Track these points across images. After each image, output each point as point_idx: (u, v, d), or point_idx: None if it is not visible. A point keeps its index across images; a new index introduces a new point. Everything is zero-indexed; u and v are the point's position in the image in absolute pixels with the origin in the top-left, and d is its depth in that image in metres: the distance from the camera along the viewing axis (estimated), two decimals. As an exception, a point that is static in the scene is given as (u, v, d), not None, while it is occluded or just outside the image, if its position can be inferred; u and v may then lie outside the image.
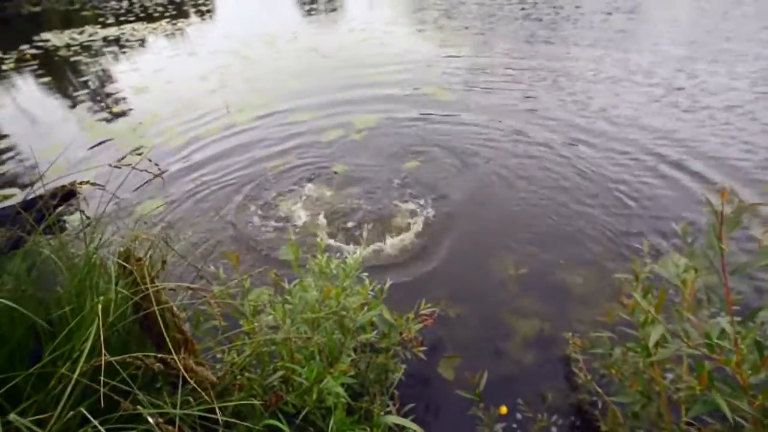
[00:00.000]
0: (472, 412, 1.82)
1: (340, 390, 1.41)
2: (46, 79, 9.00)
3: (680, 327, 1.07)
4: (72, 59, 10.65)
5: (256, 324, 1.56)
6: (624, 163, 3.93)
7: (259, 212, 3.69)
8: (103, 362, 0.83)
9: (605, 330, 1.73)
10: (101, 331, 0.87)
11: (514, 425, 1.96)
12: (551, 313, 2.55)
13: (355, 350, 1.74)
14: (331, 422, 1.31)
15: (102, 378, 0.86)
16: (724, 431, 1.29)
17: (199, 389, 1.03)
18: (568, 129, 4.64)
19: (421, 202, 3.64)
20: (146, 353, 0.95)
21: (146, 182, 3.77)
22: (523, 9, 10.37)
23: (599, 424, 1.78)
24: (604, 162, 3.96)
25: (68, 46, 12.38)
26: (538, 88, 5.83)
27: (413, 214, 3.49)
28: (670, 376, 1.52)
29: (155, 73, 8.72)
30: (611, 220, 3.23)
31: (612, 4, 10.38)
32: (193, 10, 17.82)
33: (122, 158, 4.51)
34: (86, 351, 0.89)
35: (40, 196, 1.33)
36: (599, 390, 1.86)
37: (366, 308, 1.75)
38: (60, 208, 1.39)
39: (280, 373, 1.51)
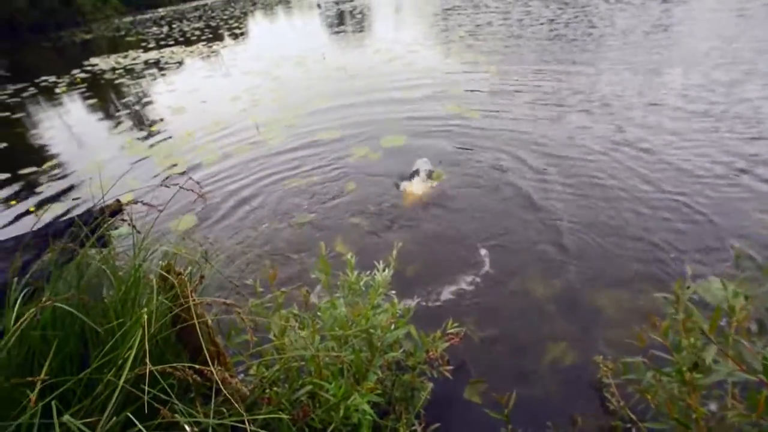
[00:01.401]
0: (502, 432, 1.78)
1: (367, 407, 1.41)
2: (92, 101, 9.64)
3: (732, 351, 1.03)
4: (116, 81, 11.36)
5: (286, 340, 1.60)
6: (660, 185, 3.80)
7: (292, 228, 3.78)
8: (147, 371, 0.87)
9: (636, 354, 1.67)
10: (146, 341, 0.92)
11: (544, 451, 1.90)
12: (580, 335, 2.48)
13: (381, 368, 1.75)
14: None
15: (146, 386, 0.91)
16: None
17: (231, 400, 1.07)
18: (601, 149, 4.55)
19: (445, 217, 3.63)
20: (183, 364, 0.99)
21: (192, 201, 3.95)
22: (552, 30, 10.34)
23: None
24: (639, 183, 3.85)
25: (113, 69, 13.23)
26: (572, 111, 5.76)
27: (437, 232, 3.49)
28: (707, 404, 1.45)
29: (191, 93, 9.17)
30: (646, 244, 3.12)
31: (647, 20, 10.23)
32: (227, 33, 18.75)
33: (166, 178, 4.74)
34: (131, 359, 0.94)
35: (90, 212, 1.43)
36: (633, 416, 1.79)
37: (393, 326, 1.76)
38: (108, 224, 1.48)
39: (307, 389, 1.53)
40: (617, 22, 10.12)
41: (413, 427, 1.70)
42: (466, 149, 4.88)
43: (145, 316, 0.98)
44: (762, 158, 3.96)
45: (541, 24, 11.11)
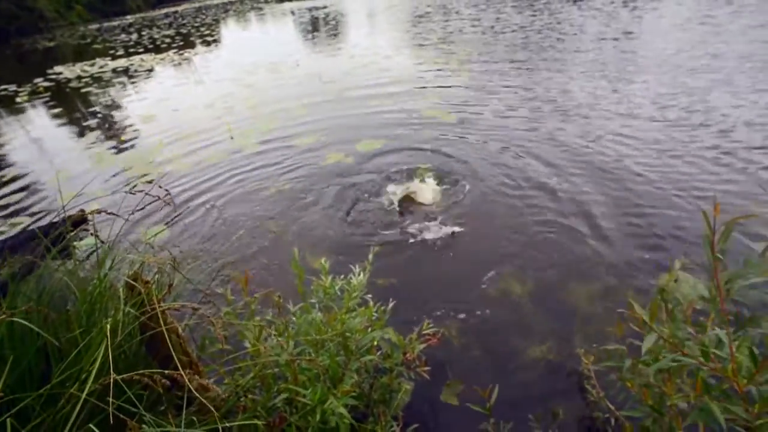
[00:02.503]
0: (482, 427, 1.80)
1: (344, 411, 1.41)
2: (57, 110, 9.30)
3: (678, 337, 1.08)
4: (82, 90, 11.00)
5: (260, 346, 1.58)
6: (626, 183, 3.95)
7: (266, 235, 3.73)
8: (111, 380, 0.85)
9: (617, 344, 1.73)
10: (110, 351, 0.89)
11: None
12: (559, 331, 2.54)
13: (358, 371, 1.75)
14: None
15: (110, 398, 0.88)
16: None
17: (205, 408, 1.05)
18: (572, 153, 4.69)
19: (420, 218, 3.67)
20: (152, 371, 0.97)
21: (161, 209, 3.85)
22: (525, 37, 10.63)
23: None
24: (609, 183, 3.98)
25: (79, 77, 12.82)
26: (542, 112, 5.93)
27: (413, 235, 3.52)
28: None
29: (162, 101, 8.98)
30: (619, 241, 3.23)
31: (618, 27, 10.63)
32: (199, 40, 18.46)
33: (133, 186, 4.61)
34: (95, 371, 0.92)
35: (53, 224, 1.38)
36: (611, 407, 1.84)
37: (369, 329, 1.76)
38: (71, 234, 1.43)
39: (284, 395, 1.52)
40: (588, 30, 10.48)
41: (392, 429, 1.71)
42: (443, 153, 4.94)
43: (109, 326, 0.95)
44: (737, 156, 4.16)
45: (513, 31, 11.39)
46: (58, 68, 15.10)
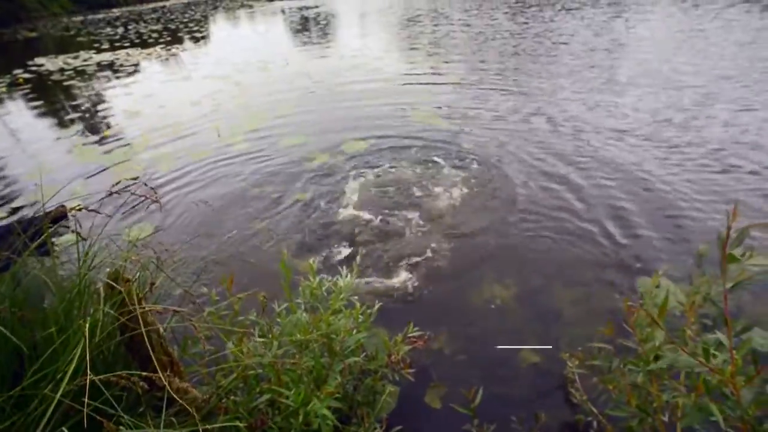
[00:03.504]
0: (466, 428, 1.81)
1: (327, 412, 1.40)
2: (38, 103, 9.05)
3: (680, 338, 1.11)
4: (65, 83, 10.74)
5: (243, 347, 1.56)
6: (611, 191, 4.03)
7: (251, 235, 3.69)
8: (87, 381, 0.83)
9: (603, 345, 1.75)
10: (87, 351, 0.87)
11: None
12: (543, 334, 2.57)
13: (342, 372, 1.74)
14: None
15: (85, 399, 0.86)
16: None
17: (185, 409, 1.03)
18: (559, 155, 4.76)
19: (406, 222, 3.68)
20: (129, 372, 0.95)
21: (146, 207, 3.77)
22: (516, 45, 10.75)
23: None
24: (594, 189, 4.05)
25: (62, 70, 12.51)
26: (534, 123, 6.00)
27: (398, 235, 3.52)
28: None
29: (148, 97, 8.82)
30: (615, 248, 3.28)
31: (613, 38, 10.83)
32: (187, 36, 18.20)
33: (117, 183, 4.50)
34: (71, 371, 0.89)
35: (31, 219, 1.34)
36: (594, 410, 1.87)
37: (355, 331, 1.76)
38: (50, 230, 1.40)
39: (266, 396, 1.50)
40: (582, 39, 10.63)
41: (375, 431, 1.70)
42: (430, 155, 4.96)
43: (87, 326, 0.93)
44: (726, 165, 4.26)
45: (504, 37, 11.52)
46: (39, 60, 14.71)
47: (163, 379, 1.00)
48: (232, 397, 1.53)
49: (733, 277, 1.07)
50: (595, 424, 1.98)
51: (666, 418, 1.37)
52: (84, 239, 1.24)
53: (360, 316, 1.82)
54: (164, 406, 1.14)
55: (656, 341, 1.24)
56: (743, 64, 7.26)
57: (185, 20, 25.27)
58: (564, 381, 2.22)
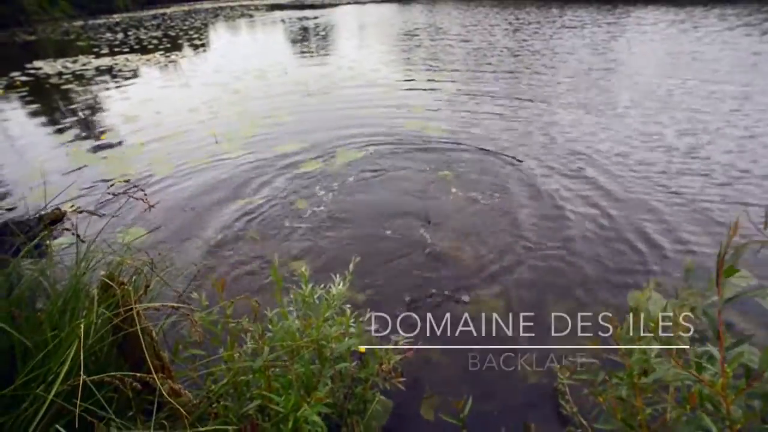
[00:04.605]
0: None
1: (317, 418, 1.41)
2: (35, 106, 9.05)
3: (671, 351, 1.13)
4: (63, 87, 10.75)
5: (234, 352, 1.57)
6: (600, 202, 4.09)
7: (245, 241, 3.70)
8: (81, 382, 0.84)
9: (592, 359, 1.77)
10: (81, 352, 0.88)
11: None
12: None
13: (333, 379, 1.75)
14: (306, 451, 1.31)
15: (78, 400, 0.87)
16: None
17: (176, 413, 1.04)
18: (549, 166, 4.83)
19: (402, 228, 3.71)
20: (122, 373, 0.96)
21: (141, 211, 3.76)
22: (515, 59, 10.92)
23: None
24: (583, 205, 4.11)
25: (60, 74, 12.53)
26: (523, 122, 6.09)
27: (394, 241, 3.55)
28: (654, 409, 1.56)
29: (145, 102, 8.85)
30: (605, 260, 3.32)
31: (610, 57, 11.03)
32: (187, 43, 18.32)
33: (111, 184, 4.51)
34: (63, 372, 0.90)
35: (28, 221, 1.36)
36: (584, 422, 1.88)
37: (347, 338, 1.77)
38: (47, 233, 1.41)
39: (257, 402, 1.51)
40: (580, 57, 10.82)
41: (365, 439, 1.71)
42: (424, 165, 5.01)
43: (82, 327, 0.94)
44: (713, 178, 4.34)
45: (501, 52, 11.70)
46: (37, 63, 14.72)
47: (157, 380, 1.01)
48: (222, 402, 1.54)
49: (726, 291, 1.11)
50: (584, 437, 1.99)
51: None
52: (82, 241, 1.25)
53: (351, 323, 1.83)
54: (155, 408, 1.15)
55: (646, 354, 1.26)
56: (742, 85, 7.43)
57: (185, 27, 25.45)
58: (555, 393, 2.24)
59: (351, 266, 1.98)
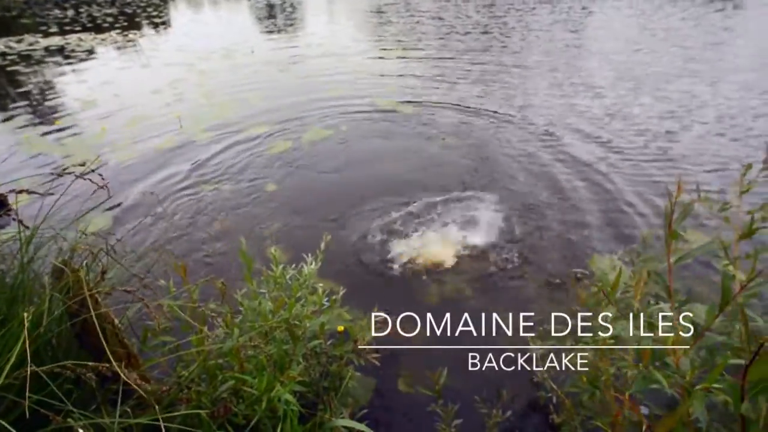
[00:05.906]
0: (431, 408, 1.85)
1: (290, 397, 1.40)
2: (-23, 90, 8.41)
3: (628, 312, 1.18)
4: (8, 69, 10.00)
5: (204, 335, 1.53)
6: (568, 182, 4.18)
7: (209, 225, 3.61)
8: (28, 372, 0.80)
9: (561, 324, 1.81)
10: (27, 341, 0.83)
11: (471, 423, 2.01)
12: (506, 315, 2.64)
13: (307, 358, 1.74)
14: (279, 431, 1.30)
15: (27, 392, 0.83)
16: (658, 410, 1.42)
17: (145, 401, 1.00)
18: (521, 140, 4.88)
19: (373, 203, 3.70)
20: (77, 362, 0.92)
21: (98, 197, 3.58)
22: (486, 32, 10.85)
23: (553, 417, 1.87)
24: (552, 180, 4.19)
25: (4, 54, 11.64)
26: (490, 96, 6.12)
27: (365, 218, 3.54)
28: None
29: (104, 85, 8.36)
30: (570, 235, 3.41)
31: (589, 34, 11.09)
32: (146, 21, 17.32)
33: (64, 168, 4.27)
34: (11, 364, 0.85)
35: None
36: (554, 386, 1.95)
37: (319, 316, 1.76)
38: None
39: (229, 384, 1.48)
40: (553, 35, 10.83)
41: (341, 415, 1.72)
42: (396, 142, 4.99)
43: (29, 316, 0.88)
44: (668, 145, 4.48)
45: (474, 28, 11.60)
46: (-22, 43, 13.63)
47: (118, 369, 0.97)
48: (194, 388, 1.51)
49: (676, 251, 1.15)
50: (554, 399, 2.07)
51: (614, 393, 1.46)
52: (26, 227, 1.17)
53: (324, 300, 1.82)
54: (119, 398, 1.11)
55: (607, 315, 1.31)
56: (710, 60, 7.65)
57: (143, 4, 23.98)
58: (528, 361, 2.30)
59: (322, 245, 1.95)
